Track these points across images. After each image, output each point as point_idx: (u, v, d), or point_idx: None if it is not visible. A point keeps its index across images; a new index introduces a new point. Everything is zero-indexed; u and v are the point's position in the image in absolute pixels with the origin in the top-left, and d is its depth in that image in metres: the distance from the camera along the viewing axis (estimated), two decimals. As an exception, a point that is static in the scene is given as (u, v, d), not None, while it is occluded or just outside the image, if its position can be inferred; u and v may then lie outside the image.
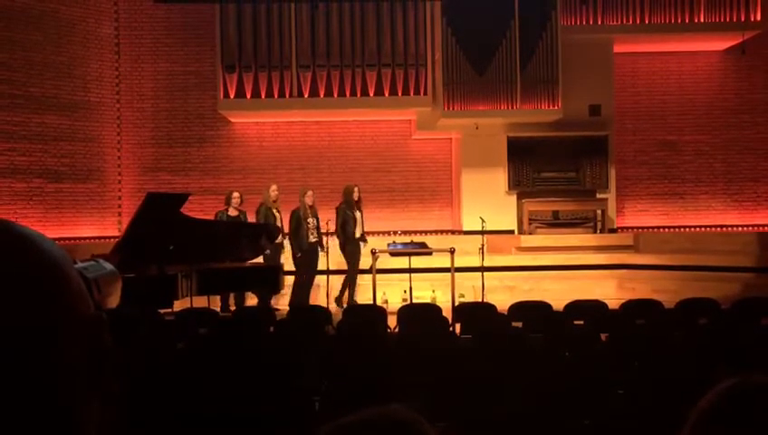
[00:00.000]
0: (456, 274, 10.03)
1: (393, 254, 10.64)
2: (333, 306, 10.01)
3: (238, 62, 12.70)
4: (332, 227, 10.74)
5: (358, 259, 10.65)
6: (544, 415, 3.86)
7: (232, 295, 10.19)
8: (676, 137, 14.19)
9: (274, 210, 10.65)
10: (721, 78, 14.16)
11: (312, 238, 10.52)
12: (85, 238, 12.45)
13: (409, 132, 13.85)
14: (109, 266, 1.35)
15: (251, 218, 10.77)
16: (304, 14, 12.81)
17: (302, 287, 10.38)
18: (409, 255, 10.52)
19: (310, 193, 10.71)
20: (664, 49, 13.79)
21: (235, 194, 10.74)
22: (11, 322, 0.60)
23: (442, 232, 13.58)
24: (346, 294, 10.71)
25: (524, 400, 4.10)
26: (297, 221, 10.50)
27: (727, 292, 9.30)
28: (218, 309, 9.44)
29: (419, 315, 7.22)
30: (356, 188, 10.83)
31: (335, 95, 12.81)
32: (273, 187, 10.74)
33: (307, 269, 10.44)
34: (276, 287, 9.36)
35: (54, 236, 11.50)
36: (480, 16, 12.45)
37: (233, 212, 10.65)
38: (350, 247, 10.65)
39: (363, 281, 10.77)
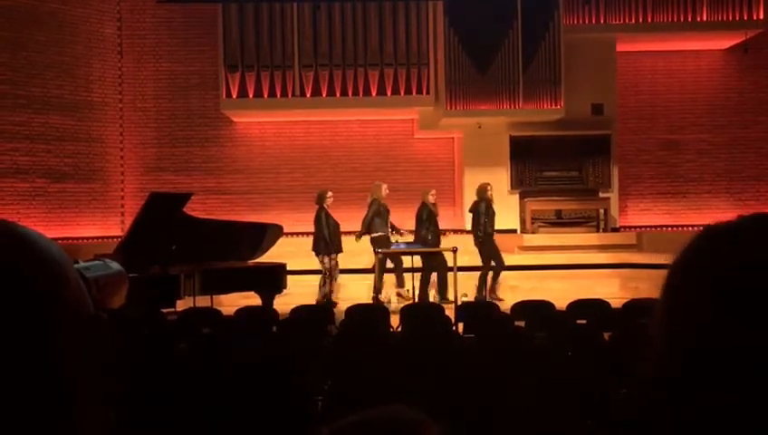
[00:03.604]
0: (459, 273, 10.03)
1: (395, 253, 10.64)
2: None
3: (241, 61, 12.71)
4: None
5: (498, 253, 10.80)
6: (547, 414, 3.85)
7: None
8: (679, 136, 14.17)
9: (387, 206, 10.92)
10: (724, 77, 14.14)
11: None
12: (88, 238, 12.46)
13: (412, 132, 13.85)
14: (115, 266, 1.34)
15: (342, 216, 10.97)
16: (306, 13, 12.81)
17: (427, 281, 10.57)
18: (412, 254, 10.52)
19: (433, 192, 11.01)
20: (666, 48, 13.78)
21: (329, 193, 10.84)
22: (10, 322, 0.60)
23: (444, 231, 13.56)
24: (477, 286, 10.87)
25: (527, 399, 4.10)
26: (428, 217, 10.75)
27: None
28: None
29: (422, 315, 7.21)
30: (489, 185, 11.09)
31: (338, 95, 12.82)
32: (385, 185, 11.02)
33: (441, 262, 10.63)
34: (279, 287, 9.35)
35: (57, 237, 11.52)
36: (482, 15, 12.44)
37: (330, 211, 10.73)
38: (490, 242, 10.82)
39: (366, 281, 10.77)
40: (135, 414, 3.68)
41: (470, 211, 11.07)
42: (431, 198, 10.92)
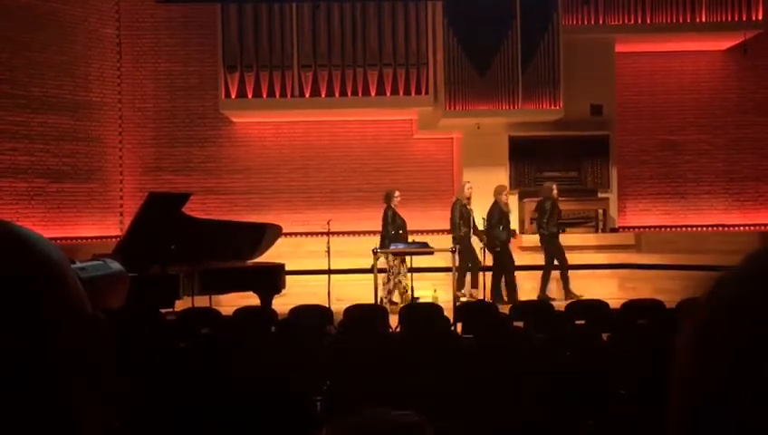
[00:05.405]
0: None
1: (395, 253, 10.65)
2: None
3: (240, 61, 12.70)
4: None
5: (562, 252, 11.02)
6: (546, 415, 3.86)
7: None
8: (678, 136, 14.17)
9: (468, 207, 11.16)
10: (723, 77, 14.14)
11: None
12: (86, 238, 12.45)
13: (411, 132, 13.85)
14: (115, 266, 1.35)
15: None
16: (306, 13, 12.81)
17: (511, 283, 10.78)
18: (411, 254, 10.53)
19: (506, 191, 11.24)
20: (665, 49, 13.77)
21: (397, 193, 11.14)
22: (8, 322, 0.60)
23: (444, 232, 13.56)
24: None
25: (526, 399, 4.10)
26: (499, 217, 10.94)
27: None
28: None
29: (421, 315, 7.22)
30: (555, 185, 11.41)
31: (337, 95, 12.81)
32: (469, 184, 11.29)
33: (509, 262, 10.86)
34: (278, 287, 9.35)
35: (56, 236, 11.51)
36: (481, 16, 12.44)
37: (398, 210, 11.01)
38: (554, 241, 11.05)
39: (364, 281, 10.76)
40: (135, 415, 3.68)
41: (535, 211, 11.20)
42: (504, 198, 11.07)
